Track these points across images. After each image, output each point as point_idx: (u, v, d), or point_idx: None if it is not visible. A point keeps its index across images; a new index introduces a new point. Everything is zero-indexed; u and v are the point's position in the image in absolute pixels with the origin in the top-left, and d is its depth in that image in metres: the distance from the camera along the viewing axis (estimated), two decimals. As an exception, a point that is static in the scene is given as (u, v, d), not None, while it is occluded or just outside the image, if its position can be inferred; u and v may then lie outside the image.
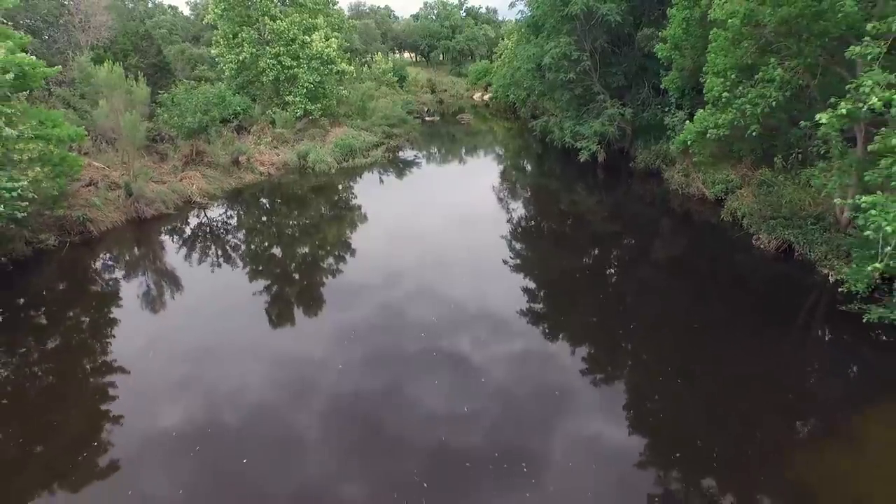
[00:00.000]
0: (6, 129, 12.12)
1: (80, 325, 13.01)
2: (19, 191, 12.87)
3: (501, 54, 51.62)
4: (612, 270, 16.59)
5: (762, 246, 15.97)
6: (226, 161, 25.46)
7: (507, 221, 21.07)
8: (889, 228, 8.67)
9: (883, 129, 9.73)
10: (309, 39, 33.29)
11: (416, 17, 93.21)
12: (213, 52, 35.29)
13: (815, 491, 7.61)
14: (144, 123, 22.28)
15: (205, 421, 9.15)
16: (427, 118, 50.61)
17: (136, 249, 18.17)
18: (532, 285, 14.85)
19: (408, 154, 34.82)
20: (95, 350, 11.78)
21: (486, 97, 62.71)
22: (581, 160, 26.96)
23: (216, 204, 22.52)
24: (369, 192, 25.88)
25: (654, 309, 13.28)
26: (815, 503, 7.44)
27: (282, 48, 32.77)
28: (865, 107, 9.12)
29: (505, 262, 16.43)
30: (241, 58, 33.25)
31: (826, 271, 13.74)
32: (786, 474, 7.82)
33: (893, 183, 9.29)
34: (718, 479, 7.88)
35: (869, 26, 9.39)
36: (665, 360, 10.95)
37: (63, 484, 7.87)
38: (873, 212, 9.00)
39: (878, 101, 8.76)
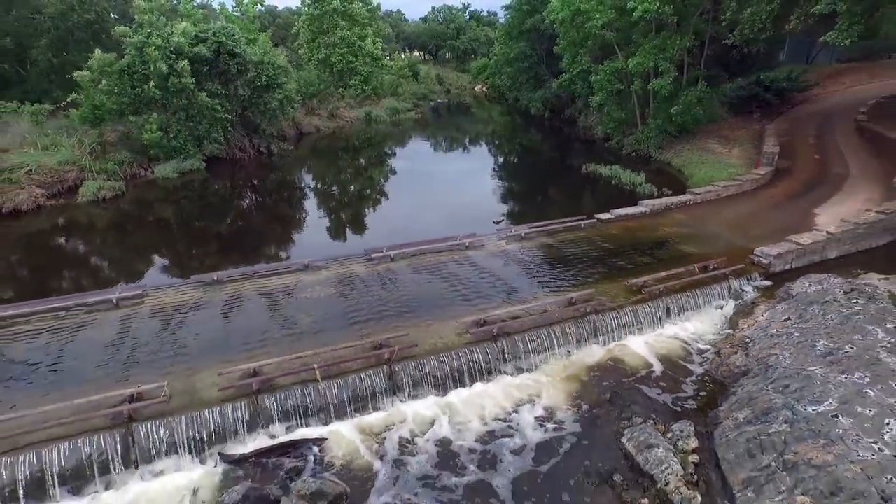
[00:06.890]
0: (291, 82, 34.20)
1: (325, 152, 35.26)
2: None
3: (495, 53, 73.69)
4: (537, 150, 38.57)
5: (597, 137, 37.87)
6: (326, 113, 47.52)
7: (488, 138, 43.50)
8: (597, 101, 30.59)
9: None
10: (363, 43, 55.47)
11: (424, 19, 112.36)
12: (300, 51, 57.58)
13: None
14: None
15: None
16: (439, 100, 72.84)
17: (313, 140, 40.76)
18: (494, 150, 36.97)
19: (430, 116, 57.19)
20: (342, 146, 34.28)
21: (484, 89, 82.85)
22: (533, 113, 49.34)
23: (329, 130, 44.98)
24: (409, 126, 48.45)
25: (546, 157, 35.30)
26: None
27: (346, 49, 54.88)
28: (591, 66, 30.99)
29: (485, 145, 38.59)
30: (318, 56, 55.40)
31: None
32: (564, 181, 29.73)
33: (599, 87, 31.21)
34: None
35: (588, 42, 31.26)
36: (537, 170, 32.96)
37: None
38: (595, 103, 30.90)
39: (585, 64, 30.57)
